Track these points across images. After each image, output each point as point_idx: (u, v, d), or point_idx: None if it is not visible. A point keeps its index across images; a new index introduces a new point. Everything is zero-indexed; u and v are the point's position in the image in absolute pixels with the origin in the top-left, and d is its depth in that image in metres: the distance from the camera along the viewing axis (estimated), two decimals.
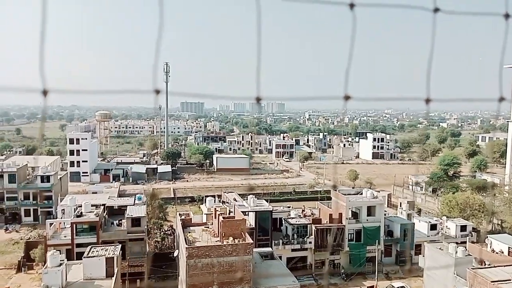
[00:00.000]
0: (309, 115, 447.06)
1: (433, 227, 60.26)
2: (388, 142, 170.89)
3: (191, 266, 34.76)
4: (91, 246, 42.38)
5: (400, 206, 66.18)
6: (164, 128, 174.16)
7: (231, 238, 37.30)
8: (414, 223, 60.08)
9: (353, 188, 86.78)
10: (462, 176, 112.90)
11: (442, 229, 60.89)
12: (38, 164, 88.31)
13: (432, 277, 46.24)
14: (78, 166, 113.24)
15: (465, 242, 52.34)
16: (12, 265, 54.76)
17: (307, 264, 55.22)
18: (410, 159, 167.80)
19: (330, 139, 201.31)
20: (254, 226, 52.59)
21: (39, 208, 75.23)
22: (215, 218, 42.04)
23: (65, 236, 49.35)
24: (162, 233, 65.43)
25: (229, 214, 49.07)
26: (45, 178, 77.01)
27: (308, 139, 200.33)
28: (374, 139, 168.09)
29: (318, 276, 54.72)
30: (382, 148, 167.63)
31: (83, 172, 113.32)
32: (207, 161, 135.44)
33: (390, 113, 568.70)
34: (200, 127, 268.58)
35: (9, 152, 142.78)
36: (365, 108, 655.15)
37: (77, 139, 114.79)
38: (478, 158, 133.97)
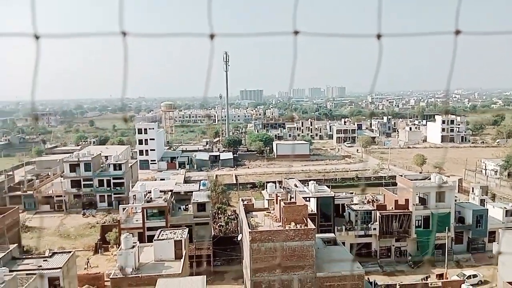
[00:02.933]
0: (371, 98, 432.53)
1: (509, 213, 56.25)
2: (459, 124, 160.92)
3: (254, 250, 35.47)
4: (160, 229, 44.76)
5: (472, 191, 62.44)
6: (225, 116, 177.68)
7: (293, 224, 37.45)
8: (487, 209, 56.47)
9: (420, 173, 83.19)
10: None
11: None
12: (110, 153, 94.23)
13: (508, 265, 43.35)
14: (147, 154, 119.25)
15: None
16: (90, 247, 59.34)
17: (372, 250, 54.12)
18: (483, 142, 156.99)
19: (394, 123, 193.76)
20: (315, 212, 52.40)
21: (112, 194, 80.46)
22: (277, 203, 42.41)
23: (136, 220, 52.40)
24: (226, 217, 67.33)
25: (290, 200, 49.28)
26: (117, 166, 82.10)
27: (371, 123, 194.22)
28: (443, 122, 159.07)
29: (383, 263, 53.48)
30: (452, 130, 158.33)
31: (151, 160, 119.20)
32: (267, 148, 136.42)
33: (460, 93, 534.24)
34: (260, 114, 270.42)
35: (84, 143, 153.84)
36: (433, 89, 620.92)
37: (145, 129, 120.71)
38: None
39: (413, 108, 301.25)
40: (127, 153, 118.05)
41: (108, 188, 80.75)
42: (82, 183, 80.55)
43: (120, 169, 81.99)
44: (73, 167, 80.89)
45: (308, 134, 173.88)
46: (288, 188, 61.57)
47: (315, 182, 60.99)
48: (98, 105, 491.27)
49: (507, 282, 34.89)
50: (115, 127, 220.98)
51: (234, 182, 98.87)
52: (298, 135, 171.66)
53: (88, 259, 54.94)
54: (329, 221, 53.80)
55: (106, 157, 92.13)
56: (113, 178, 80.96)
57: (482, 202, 58.82)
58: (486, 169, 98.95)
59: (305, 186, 61.58)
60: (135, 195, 58.48)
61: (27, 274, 33.95)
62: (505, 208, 56.87)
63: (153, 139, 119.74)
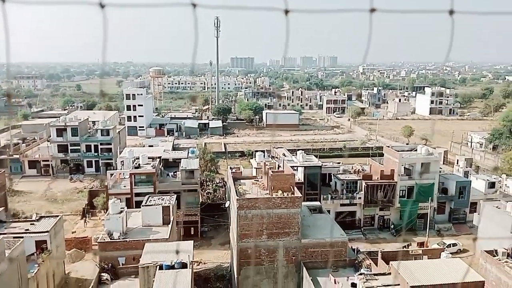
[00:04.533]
0: (363, 68, 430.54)
1: (491, 185, 57.71)
2: (448, 97, 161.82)
3: (241, 217, 35.96)
4: (148, 195, 44.99)
5: (457, 163, 63.58)
6: (215, 84, 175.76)
7: (280, 192, 37.88)
8: (470, 181, 57.76)
9: (407, 144, 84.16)
10: None
11: (501, 187, 58.13)
12: (98, 118, 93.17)
13: (486, 235, 44.81)
14: (135, 120, 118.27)
15: None
16: (77, 212, 59.60)
17: (356, 219, 55.34)
18: (470, 115, 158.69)
19: (384, 94, 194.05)
20: (302, 180, 53.01)
21: (100, 159, 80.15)
22: (265, 172, 42.74)
23: (124, 186, 52.52)
24: (214, 185, 67.83)
25: (278, 168, 49.64)
26: (105, 132, 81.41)
27: (361, 94, 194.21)
28: (433, 94, 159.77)
29: (366, 231, 54.86)
30: (440, 103, 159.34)
31: (139, 127, 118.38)
32: (257, 116, 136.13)
33: (451, 66, 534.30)
34: (250, 82, 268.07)
35: (71, 107, 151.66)
36: (424, 60, 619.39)
37: (133, 95, 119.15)
38: None
39: (403, 80, 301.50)
40: (115, 119, 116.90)
41: (96, 154, 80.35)
42: (69, 148, 79.91)
43: (108, 134, 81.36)
44: (60, 131, 79.99)
45: (298, 104, 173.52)
46: (277, 157, 61.94)
47: (303, 151, 61.38)
48: (86, 69, 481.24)
49: (485, 251, 36.12)
50: (102, 92, 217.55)
51: (223, 150, 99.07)
52: (288, 104, 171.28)
53: (75, 223, 55.28)
54: (315, 190, 54.59)
55: (94, 122, 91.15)
56: (101, 144, 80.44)
57: (466, 174, 60.02)
58: (472, 142, 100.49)
59: (293, 155, 61.96)
60: (123, 161, 58.32)
61: (14, 237, 34.10)
62: (487, 180, 58.20)
63: (142, 105, 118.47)
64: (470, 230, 54.63)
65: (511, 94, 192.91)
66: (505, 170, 65.84)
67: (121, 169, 57.93)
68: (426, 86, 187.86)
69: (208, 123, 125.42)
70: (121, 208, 39.32)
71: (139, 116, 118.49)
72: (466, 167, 61.50)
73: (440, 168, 60.12)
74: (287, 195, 37.43)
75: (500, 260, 34.42)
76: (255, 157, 61.05)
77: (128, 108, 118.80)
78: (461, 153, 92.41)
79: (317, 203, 48.11)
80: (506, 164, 67.20)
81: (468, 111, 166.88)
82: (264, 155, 61.95)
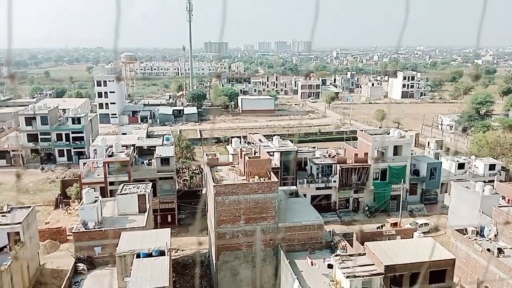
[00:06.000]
0: (336, 53, 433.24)
1: (460, 166, 59.56)
2: (419, 81, 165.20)
3: (218, 203, 35.99)
4: (123, 184, 44.34)
5: (428, 145, 65.25)
6: (189, 69, 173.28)
7: (256, 177, 38.03)
8: (441, 162, 59.45)
9: (380, 128, 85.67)
10: (494, 115, 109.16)
11: (470, 168, 60.14)
12: (68, 106, 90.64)
13: (457, 215, 46.52)
14: (107, 108, 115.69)
15: (493, 181, 51.73)
16: (50, 202, 58.28)
17: (331, 202, 56.31)
18: (441, 98, 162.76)
19: (358, 79, 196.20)
20: (279, 166, 53.39)
21: (72, 148, 78.29)
22: (241, 158, 42.74)
23: (98, 175, 51.56)
24: (190, 172, 67.43)
25: (254, 154, 49.73)
26: (76, 120, 79.35)
27: (335, 79, 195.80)
28: (404, 78, 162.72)
29: (341, 213, 55.97)
30: (412, 87, 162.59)
31: (111, 114, 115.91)
32: (232, 102, 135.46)
33: (422, 50, 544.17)
34: (225, 68, 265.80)
35: (39, 95, 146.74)
36: (397, 45, 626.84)
37: (104, 81, 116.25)
38: None
39: (376, 64, 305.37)
40: (86, 106, 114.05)
41: (67, 143, 78.35)
42: (39, 137, 77.59)
43: (79, 122, 79.34)
44: (29, 120, 77.41)
45: (273, 89, 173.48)
46: (253, 143, 62.00)
47: (279, 137, 61.65)
48: (54, 55, 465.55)
49: (455, 230, 37.50)
50: (72, 79, 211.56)
51: (199, 137, 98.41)
52: (264, 90, 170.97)
53: (48, 214, 54.09)
54: (292, 175, 55.13)
55: (64, 110, 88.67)
56: (72, 132, 78.41)
57: (436, 155, 61.72)
58: (442, 124, 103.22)
59: (269, 141, 62.18)
60: (95, 149, 57.18)
61: None
62: (457, 161, 60.04)
63: (113, 92, 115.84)
64: (441, 210, 56.50)
65: (479, 77, 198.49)
66: (474, 151, 68.05)
67: (94, 157, 56.81)
68: (398, 70, 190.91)
69: (183, 110, 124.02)
70: (95, 197, 38.63)
71: (111, 103, 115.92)
72: (437, 149, 63.22)
73: (412, 150, 61.63)
74: (264, 180, 37.64)
75: (469, 238, 35.83)
76: (231, 143, 60.94)
77: (100, 95, 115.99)
78: (432, 135, 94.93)
79: (294, 187, 48.61)
80: (475, 146, 69.43)
81: (439, 94, 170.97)
82: (240, 141, 61.93)
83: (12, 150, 76.29)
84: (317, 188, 55.55)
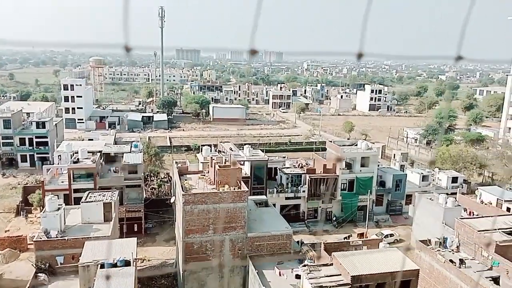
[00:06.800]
0: (307, 65, 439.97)
1: (424, 178, 61.43)
2: (386, 94, 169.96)
3: (187, 212, 35.54)
4: (88, 191, 43.05)
5: (394, 157, 67.01)
6: (160, 76, 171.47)
7: (226, 186, 37.86)
8: (406, 174, 61.15)
9: (348, 139, 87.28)
10: (457, 129, 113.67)
11: (433, 180, 62.11)
12: (33, 110, 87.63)
13: (421, 226, 47.79)
14: (74, 112, 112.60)
15: (456, 193, 53.62)
16: (11, 209, 55.87)
17: (300, 212, 56.72)
18: (406, 112, 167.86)
19: (327, 91, 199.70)
20: (249, 175, 53.37)
21: (35, 154, 75.56)
22: (211, 166, 42.48)
23: (62, 182, 49.91)
24: (158, 180, 66.38)
25: (225, 163, 49.58)
26: (41, 124, 76.78)
27: (305, 90, 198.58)
28: (372, 91, 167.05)
29: (310, 223, 56.43)
30: (379, 100, 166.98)
31: (78, 119, 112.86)
32: (203, 110, 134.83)
33: (389, 65, 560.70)
34: (196, 75, 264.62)
35: (3, 98, 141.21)
36: (365, 59, 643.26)
37: (72, 85, 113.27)
38: (474, 111, 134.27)
39: (345, 77, 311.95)
40: (51, 111, 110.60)
41: (31, 147, 75.63)
42: (1, 141, 74.62)
43: (44, 127, 76.78)
44: None
45: (245, 98, 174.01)
46: (223, 152, 61.78)
47: (250, 146, 61.77)
48: (19, 57, 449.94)
49: (419, 241, 38.48)
50: (37, 82, 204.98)
51: (168, 144, 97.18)
52: (235, 99, 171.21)
53: (9, 221, 51.81)
54: (262, 184, 55.21)
55: (28, 114, 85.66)
56: (36, 137, 75.77)
57: (402, 167, 63.46)
58: (407, 137, 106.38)
59: (240, 150, 62.17)
60: (60, 155, 55.40)
61: None
62: (421, 173, 61.91)
63: (81, 96, 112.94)
64: (405, 221, 57.93)
65: (443, 92, 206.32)
66: (437, 164, 70.40)
67: (58, 163, 54.98)
68: (366, 84, 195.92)
69: (153, 116, 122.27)
70: (58, 205, 37.28)
71: (78, 108, 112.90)
72: (402, 161, 65.02)
73: (379, 162, 63.12)
74: (234, 189, 37.52)
75: (433, 249, 36.84)
76: (201, 151, 60.52)
77: (66, 99, 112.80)
78: (398, 147, 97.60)
79: (263, 197, 48.72)
80: (439, 159, 71.87)
81: (404, 108, 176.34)
82: (210, 150, 61.58)
83: None
84: (287, 198, 55.86)
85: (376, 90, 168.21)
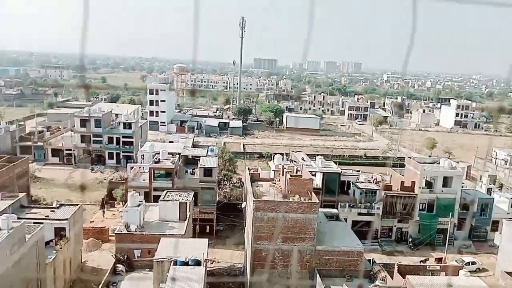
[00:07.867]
0: (387, 77, 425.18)
1: None
2: (474, 111, 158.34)
3: (257, 218, 35.82)
4: (166, 190, 45.29)
5: (480, 179, 62.05)
6: (237, 84, 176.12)
7: (297, 196, 37.59)
8: (493, 198, 56.24)
9: (429, 156, 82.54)
10: None
11: None
12: (121, 111, 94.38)
13: (508, 255, 43.58)
14: (157, 116, 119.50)
15: None
16: (96, 202, 60.46)
17: (373, 229, 54.48)
18: (497, 130, 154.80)
19: (408, 104, 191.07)
20: (320, 186, 52.51)
21: (121, 152, 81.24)
22: (283, 175, 42.49)
23: (143, 180, 53.01)
24: (231, 184, 67.87)
25: (296, 172, 49.35)
26: (127, 125, 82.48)
27: (384, 103, 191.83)
28: (458, 107, 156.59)
29: (383, 242, 53.97)
30: (466, 116, 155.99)
31: (161, 122, 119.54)
32: (277, 119, 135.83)
33: (478, 79, 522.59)
34: (272, 84, 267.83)
35: (95, 99, 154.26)
36: (451, 72, 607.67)
37: (157, 90, 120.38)
38: None
39: (428, 90, 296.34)
40: (137, 113, 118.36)
41: (117, 146, 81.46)
42: (92, 138, 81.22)
43: (130, 128, 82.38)
44: (84, 122, 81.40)
45: (319, 108, 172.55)
46: (295, 161, 61.57)
47: (322, 157, 60.84)
48: (111, 61, 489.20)
49: (505, 272, 35.05)
50: (126, 86, 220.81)
51: (242, 150, 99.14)
52: (310, 108, 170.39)
53: (94, 213, 56.08)
54: (333, 197, 53.96)
55: (117, 115, 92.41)
56: (123, 137, 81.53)
57: (489, 190, 58.52)
58: (496, 158, 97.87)
59: (312, 160, 61.50)
60: (143, 155, 58.89)
61: (34, 222, 34.79)
62: (511, 198, 56.55)
63: (164, 100, 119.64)
64: (490, 249, 53.16)
65: None
66: None
67: (141, 162, 58.47)
68: (452, 98, 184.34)
69: (229, 123, 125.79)
70: (139, 201, 39.66)
71: (161, 111, 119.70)
72: (490, 184, 59.96)
73: (463, 183, 58.79)
74: (304, 200, 37.12)
75: None
76: (273, 159, 60.96)
77: (151, 103, 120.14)
78: (485, 169, 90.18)
79: (334, 210, 47.62)
80: None
81: (494, 126, 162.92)
82: (282, 158, 61.74)
83: (66, 149, 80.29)
84: (359, 214, 53.95)
85: (463, 106, 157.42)
